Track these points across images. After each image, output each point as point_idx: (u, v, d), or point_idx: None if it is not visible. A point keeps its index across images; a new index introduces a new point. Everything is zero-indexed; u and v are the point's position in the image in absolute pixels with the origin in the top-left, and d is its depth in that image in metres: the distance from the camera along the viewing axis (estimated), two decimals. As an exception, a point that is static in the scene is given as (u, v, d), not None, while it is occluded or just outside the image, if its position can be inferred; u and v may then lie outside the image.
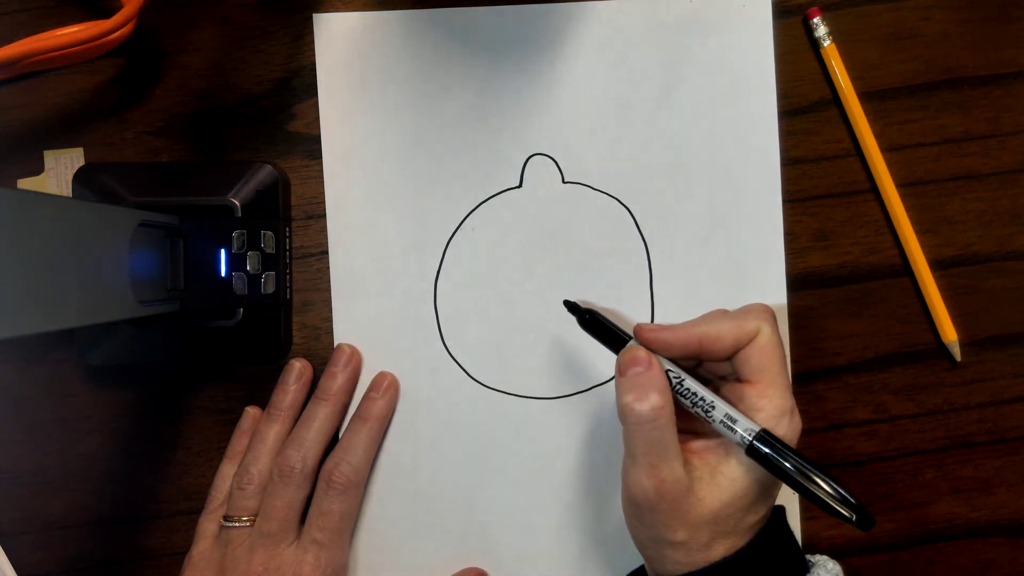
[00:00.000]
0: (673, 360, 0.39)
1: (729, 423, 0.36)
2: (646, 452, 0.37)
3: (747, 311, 0.39)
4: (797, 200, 0.45)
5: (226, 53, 0.46)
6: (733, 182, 0.45)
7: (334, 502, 0.42)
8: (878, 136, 0.45)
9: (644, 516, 0.37)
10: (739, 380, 0.38)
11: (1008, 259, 0.46)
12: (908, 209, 0.45)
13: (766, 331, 0.38)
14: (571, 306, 0.42)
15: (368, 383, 0.45)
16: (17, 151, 0.45)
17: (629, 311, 0.45)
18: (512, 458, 0.45)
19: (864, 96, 0.45)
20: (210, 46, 0.45)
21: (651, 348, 0.39)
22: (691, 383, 0.38)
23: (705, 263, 0.45)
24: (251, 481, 0.42)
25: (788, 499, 0.45)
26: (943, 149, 0.46)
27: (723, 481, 0.37)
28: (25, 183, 0.45)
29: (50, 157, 0.45)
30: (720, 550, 0.37)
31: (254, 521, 0.42)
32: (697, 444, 0.38)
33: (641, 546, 0.39)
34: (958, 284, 0.46)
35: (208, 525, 0.43)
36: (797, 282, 0.45)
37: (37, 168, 0.45)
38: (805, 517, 0.45)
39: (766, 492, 0.38)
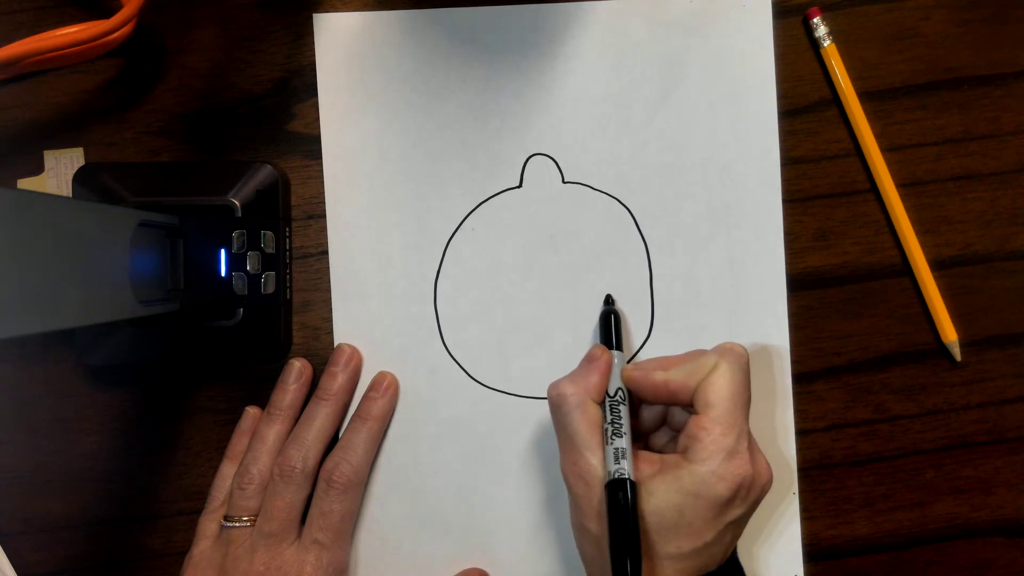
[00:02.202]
0: (655, 403, 0.41)
1: (616, 456, 0.37)
2: (559, 434, 0.40)
3: (714, 348, 0.39)
4: (797, 200, 0.45)
5: (226, 53, 0.46)
6: (733, 182, 0.45)
7: (335, 502, 0.42)
8: (878, 136, 0.45)
9: (569, 497, 0.39)
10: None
11: (1008, 259, 0.46)
12: (908, 209, 0.45)
13: (722, 368, 0.38)
14: (608, 299, 0.44)
15: (368, 383, 0.45)
16: (17, 151, 0.45)
17: (629, 311, 0.45)
18: (512, 458, 0.45)
19: (864, 96, 0.45)
20: (210, 46, 0.45)
21: (629, 387, 0.40)
22: (623, 410, 0.39)
23: (705, 263, 0.45)
24: (252, 481, 0.42)
25: (788, 498, 0.45)
26: (943, 149, 0.46)
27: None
28: (25, 183, 0.45)
29: (50, 157, 0.45)
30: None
31: (255, 521, 0.42)
32: (642, 453, 0.39)
33: (574, 533, 0.40)
34: (958, 284, 0.46)
35: (209, 525, 0.43)
36: (797, 282, 0.45)
37: (37, 168, 0.45)
38: (805, 517, 0.45)
39: (688, 527, 0.36)
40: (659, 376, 0.39)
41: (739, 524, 0.38)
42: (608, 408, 0.39)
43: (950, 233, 0.46)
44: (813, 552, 0.46)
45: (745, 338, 0.45)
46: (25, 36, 0.41)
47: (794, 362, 0.45)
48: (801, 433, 0.45)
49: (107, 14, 0.42)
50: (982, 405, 0.46)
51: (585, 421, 0.38)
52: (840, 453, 0.46)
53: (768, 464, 0.39)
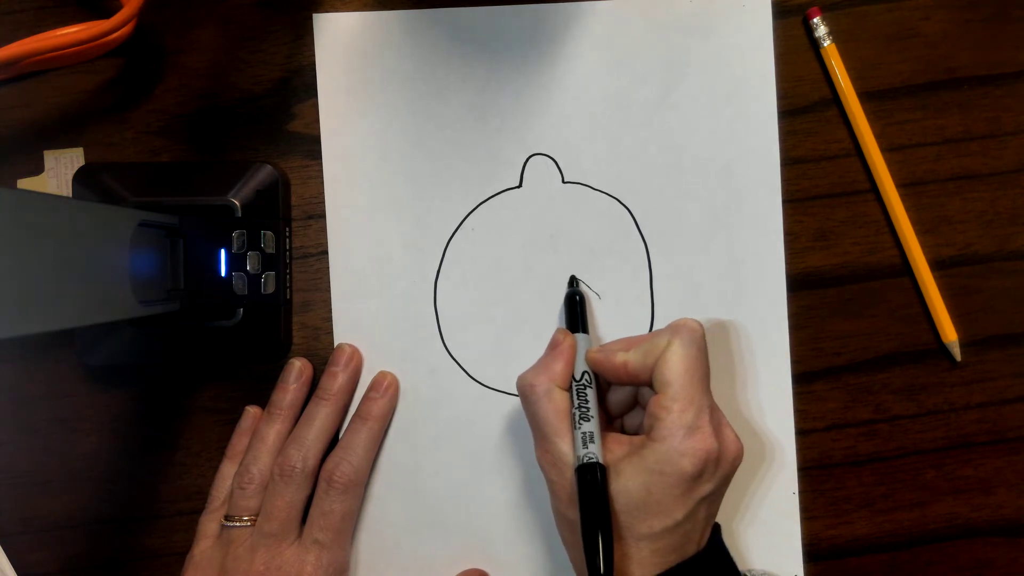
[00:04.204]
0: (619, 384, 0.41)
1: (584, 440, 0.37)
2: (531, 424, 0.40)
3: (667, 326, 0.39)
4: (797, 200, 0.45)
5: (226, 53, 0.46)
6: (733, 182, 0.45)
7: (335, 502, 0.42)
8: (878, 136, 0.45)
9: (547, 485, 0.39)
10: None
11: (1008, 259, 0.46)
12: (908, 209, 0.45)
13: (675, 345, 0.38)
14: (573, 280, 0.44)
15: (368, 383, 0.45)
16: (17, 151, 0.45)
17: (629, 311, 0.45)
18: (512, 458, 0.45)
19: (864, 96, 0.45)
20: (210, 46, 0.45)
21: (594, 370, 0.40)
22: (591, 394, 0.39)
23: (705, 263, 0.45)
24: (252, 481, 0.42)
25: (788, 498, 0.45)
26: (943, 149, 0.46)
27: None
28: (25, 183, 0.45)
29: (50, 157, 0.45)
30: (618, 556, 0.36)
31: (255, 521, 0.42)
32: (612, 435, 0.39)
33: (555, 521, 0.40)
34: (958, 284, 0.46)
35: (209, 525, 0.43)
36: (797, 282, 0.45)
37: (37, 168, 0.45)
38: (805, 517, 0.45)
39: (657, 505, 0.36)
40: (619, 358, 0.39)
41: (711, 501, 0.38)
42: (575, 393, 0.39)
43: (950, 233, 0.46)
44: (813, 552, 0.46)
45: (745, 338, 0.45)
46: (25, 36, 0.41)
47: (794, 362, 0.45)
48: (801, 433, 0.45)
49: (107, 14, 0.42)
50: (982, 405, 0.46)
51: (552, 409, 0.39)
52: (840, 453, 0.46)
53: (737, 438, 0.38)
